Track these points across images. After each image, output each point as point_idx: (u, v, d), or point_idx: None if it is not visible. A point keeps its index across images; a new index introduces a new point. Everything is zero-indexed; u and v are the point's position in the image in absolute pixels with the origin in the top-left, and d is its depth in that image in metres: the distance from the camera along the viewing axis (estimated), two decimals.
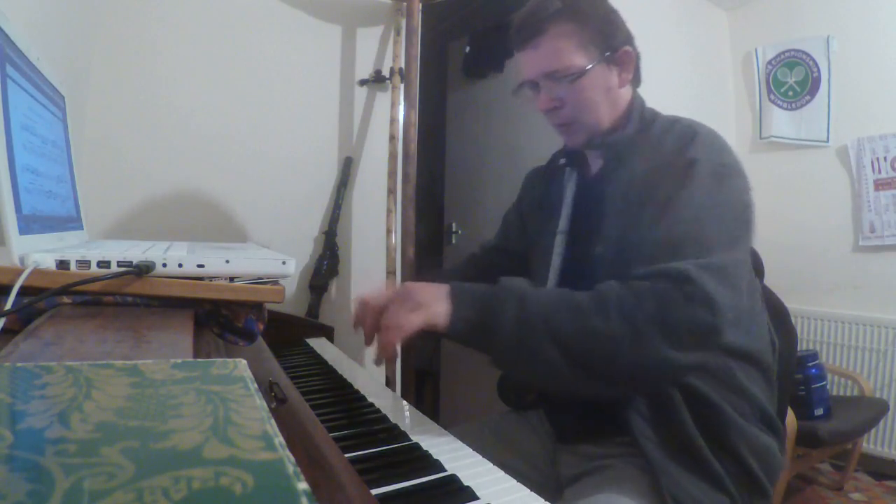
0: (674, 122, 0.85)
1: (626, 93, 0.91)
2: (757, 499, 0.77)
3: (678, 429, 0.74)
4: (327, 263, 1.75)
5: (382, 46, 1.91)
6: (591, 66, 0.84)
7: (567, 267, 0.92)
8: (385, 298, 0.72)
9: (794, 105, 2.69)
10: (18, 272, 0.50)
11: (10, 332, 0.46)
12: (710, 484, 0.73)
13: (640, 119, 0.88)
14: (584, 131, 0.90)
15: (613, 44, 0.86)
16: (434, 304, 0.69)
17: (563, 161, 1.01)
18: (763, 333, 0.84)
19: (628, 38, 0.88)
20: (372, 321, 0.72)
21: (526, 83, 0.91)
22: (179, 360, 0.34)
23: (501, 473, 0.60)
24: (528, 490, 0.57)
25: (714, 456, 0.74)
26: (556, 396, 0.92)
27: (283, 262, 0.66)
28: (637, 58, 0.90)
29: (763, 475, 0.77)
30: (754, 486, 0.76)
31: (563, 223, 0.94)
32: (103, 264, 0.57)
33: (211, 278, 0.62)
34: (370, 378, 0.97)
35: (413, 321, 0.67)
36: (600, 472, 0.79)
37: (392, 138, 1.78)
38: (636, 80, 0.92)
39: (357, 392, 0.88)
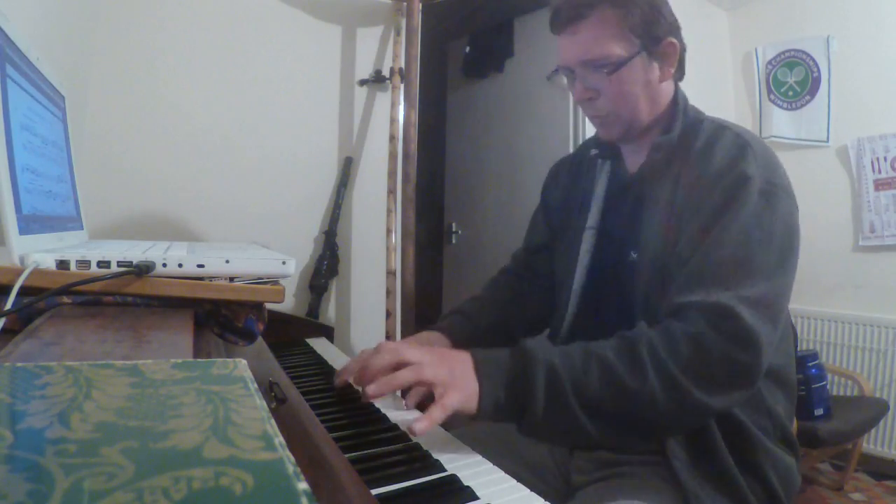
0: (722, 128, 0.81)
1: (667, 87, 0.86)
2: None
3: (710, 451, 0.72)
4: (327, 263, 1.75)
5: (382, 46, 1.91)
6: (631, 56, 0.79)
7: (596, 265, 0.89)
8: (407, 365, 0.65)
9: (794, 105, 2.69)
10: (18, 272, 0.50)
11: (10, 332, 0.46)
12: (735, 503, 0.72)
13: (685, 119, 0.84)
14: (619, 125, 0.85)
15: (657, 34, 0.81)
16: (464, 386, 0.64)
17: (594, 152, 0.96)
18: (789, 351, 0.82)
19: (673, 29, 0.83)
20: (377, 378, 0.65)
21: (562, 69, 0.85)
22: (179, 360, 0.34)
23: (501, 473, 0.60)
24: (528, 490, 0.57)
25: (741, 475, 0.72)
26: None
27: (283, 262, 0.66)
28: (682, 50, 0.85)
29: (783, 495, 0.75)
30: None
31: (592, 218, 0.90)
32: (103, 264, 0.57)
33: (211, 278, 0.62)
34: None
35: (447, 407, 0.62)
36: (619, 477, 0.77)
37: (392, 138, 1.78)
38: (679, 75, 0.88)
39: (357, 392, 0.88)
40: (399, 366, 0.65)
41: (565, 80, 0.87)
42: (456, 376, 0.65)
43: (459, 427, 0.88)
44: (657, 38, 0.81)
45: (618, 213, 0.89)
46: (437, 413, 0.61)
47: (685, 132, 0.83)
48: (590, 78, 0.82)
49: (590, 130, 1.11)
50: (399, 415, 0.77)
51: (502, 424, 0.94)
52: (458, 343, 0.90)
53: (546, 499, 0.54)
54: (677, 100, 0.86)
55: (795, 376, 0.83)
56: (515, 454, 0.87)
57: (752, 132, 0.80)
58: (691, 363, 0.63)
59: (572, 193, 0.98)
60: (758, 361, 0.64)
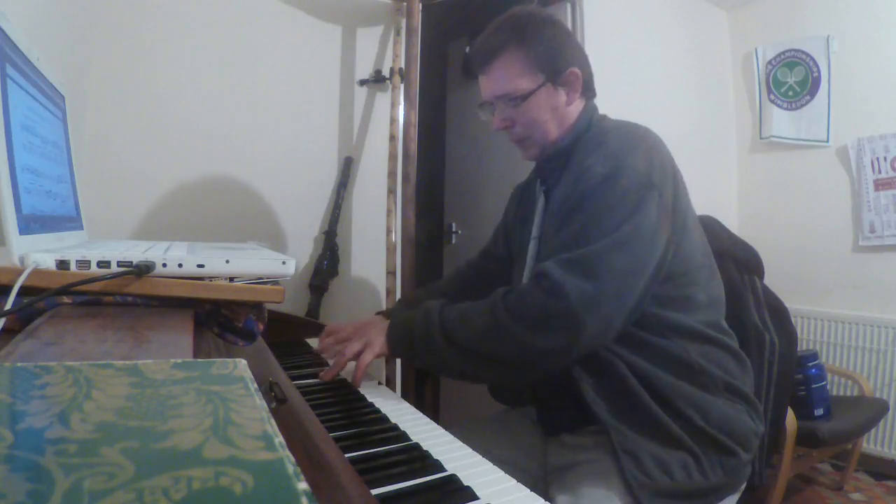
0: (599, 131, 0.93)
1: (575, 108, 0.98)
2: (726, 457, 0.83)
3: (627, 396, 0.83)
4: (327, 263, 1.75)
5: (382, 46, 1.91)
6: (536, 88, 0.93)
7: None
8: (346, 332, 0.97)
9: (794, 105, 2.69)
10: (18, 272, 0.50)
11: (10, 332, 0.46)
12: (669, 443, 0.80)
13: (576, 132, 0.96)
14: (535, 146, 0.99)
15: (559, 66, 0.94)
16: (376, 338, 0.91)
17: (532, 173, 1.12)
18: (718, 313, 0.93)
19: (577, 60, 0.96)
20: (331, 347, 0.99)
21: (483, 104, 1.01)
22: (179, 360, 0.34)
23: (501, 473, 0.60)
24: (528, 490, 0.57)
25: (671, 420, 0.81)
26: (542, 392, 0.98)
27: (283, 262, 0.66)
28: (588, 76, 0.97)
29: (727, 438, 0.83)
30: (719, 446, 0.82)
31: (535, 229, 1.03)
32: (103, 264, 0.57)
33: (211, 278, 0.62)
34: (370, 378, 0.97)
35: (365, 358, 0.89)
36: (574, 467, 0.85)
37: (392, 138, 1.78)
38: (590, 94, 1.00)
39: (357, 392, 0.88)
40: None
41: (488, 114, 1.02)
42: (370, 338, 0.91)
43: (460, 426, 0.90)
44: (559, 69, 0.94)
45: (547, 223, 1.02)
46: (362, 365, 0.89)
47: (572, 143, 0.96)
48: (504, 109, 0.97)
49: None
50: (399, 415, 0.78)
51: (500, 415, 1.09)
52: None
53: (539, 479, 0.56)
54: (581, 117, 0.98)
55: (732, 336, 0.93)
56: (510, 438, 0.97)
57: (630, 125, 0.92)
58: (515, 309, 0.80)
59: (524, 211, 1.12)
60: (568, 306, 0.76)
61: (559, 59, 0.94)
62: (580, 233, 0.81)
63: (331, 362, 0.95)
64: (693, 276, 0.89)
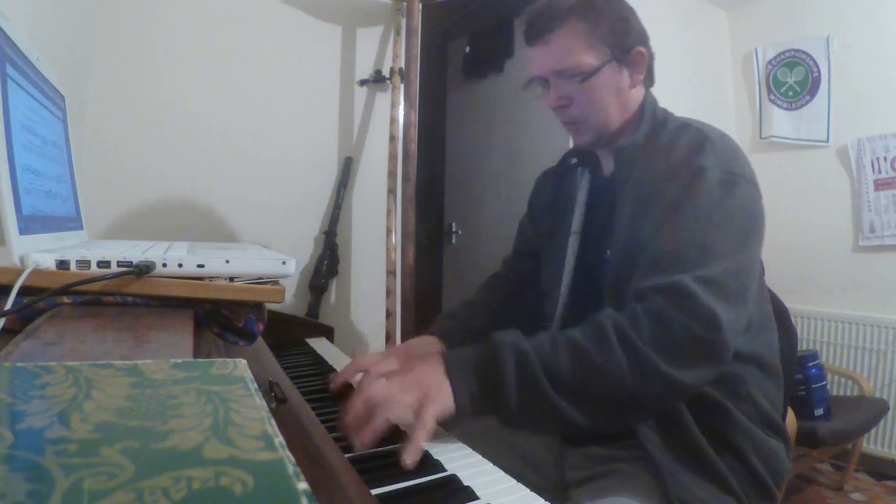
0: (685, 126, 0.84)
1: (637, 93, 0.90)
2: (764, 501, 0.77)
3: (682, 431, 0.74)
4: (327, 263, 1.75)
5: (382, 46, 1.91)
6: (601, 65, 0.83)
7: (581, 267, 0.93)
8: (387, 368, 0.71)
9: (794, 105, 2.69)
10: (18, 272, 0.50)
11: (10, 332, 0.46)
12: (716, 484, 0.73)
13: (652, 121, 0.87)
14: (591, 130, 0.89)
15: (626, 44, 0.85)
16: (437, 388, 0.64)
17: (574, 160, 1.01)
18: (772, 339, 0.85)
19: (642, 39, 0.88)
20: (377, 395, 0.63)
21: (536, 79, 0.90)
22: (179, 360, 0.34)
23: (501, 473, 0.60)
24: (529, 490, 0.57)
25: (719, 457, 0.74)
26: None
27: (283, 262, 0.66)
28: (651, 58, 0.89)
29: (769, 477, 0.77)
30: (760, 487, 0.77)
31: (576, 223, 0.94)
32: (103, 264, 0.57)
33: (211, 278, 0.62)
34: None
35: (427, 420, 0.61)
36: (607, 475, 0.78)
37: (392, 138, 1.78)
38: (649, 81, 0.92)
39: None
40: (370, 411, 0.62)
41: (539, 90, 0.91)
42: (428, 388, 0.64)
43: (459, 426, 0.89)
44: (626, 47, 0.85)
45: (597, 217, 0.93)
46: (419, 434, 0.60)
47: (650, 133, 0.86)
48: (563, 87, 0.86)
49: None
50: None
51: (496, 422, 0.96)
52: (450, 346, 0.93)
53: (545, 494, 0.54)
54: (645, 104, 0.89)
55: (780, 364, 0.85)
56: (514, 451, 0.88)
57: (717, 128, 0.83)
58: (655, 337, 0.65)
59: (557, 201, 1.02)
60: (719, 337, 0.66)
61: (627, 36, 0.85)
62: (704, 242, 0.71)
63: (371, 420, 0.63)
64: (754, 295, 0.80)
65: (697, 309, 0.66)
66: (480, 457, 0.64)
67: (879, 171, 2.40)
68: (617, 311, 0.72)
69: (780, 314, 0.98)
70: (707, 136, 0.80)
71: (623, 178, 0.86)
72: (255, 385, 0.32)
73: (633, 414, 0.71)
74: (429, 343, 0.94)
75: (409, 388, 0.64)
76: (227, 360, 0.35)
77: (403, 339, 1.74)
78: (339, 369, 1.00)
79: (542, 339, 0.69)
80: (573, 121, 0.89)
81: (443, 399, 0.64)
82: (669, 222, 0.74)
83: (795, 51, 2.67)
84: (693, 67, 2.76)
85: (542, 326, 0.98)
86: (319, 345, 1.23)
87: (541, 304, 1.00)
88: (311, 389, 0.87)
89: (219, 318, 0.64)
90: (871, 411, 2.05)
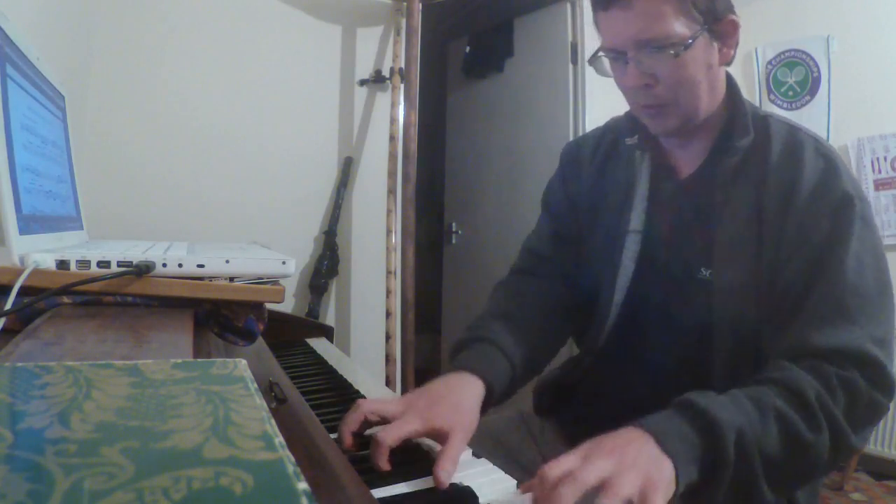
0: (795, 129, 0.73)
1: (723, 73, 0.75)
2: None
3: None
4: (327, 263, 1.75)
5: (382, 46, 1.91)
6: (695, 35, 0.67)
7: (643, 273, 0.80)
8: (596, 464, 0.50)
9: (794, 105, 2.69)
10: (18, 272, 0.50)
11: (10, 332, 0.46)
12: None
13: (752, 118, 0.73)
14: (678, 116, 0.72)
15: (717, 10, 0.69)
16: (660, 479, 0.51)
17: (630, 141, 0.83)
18: None
19: (730, 5, 0.72)
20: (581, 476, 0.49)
21: (609, 51, 0.72)
22: (179, 360, 0.34)
23: (502, 473, 0.60)
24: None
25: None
26: (596, 408, 0.82)
27: (283, 262, 0.66)
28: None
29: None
30: None
31: (636, 220, 0.79)
32: (103, 264, 0.57)
33: (211, 278, 0.62)
34: (370, 378, 0.97)
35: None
36: None
37: (392, 138, 1.78)
38: (730, 59, 0.76)
39: (357, 392, 0.88)
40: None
41: (607, 65, 0.74)
42: (650, 473, 0.51)
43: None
44: (718, 15, 0.69)
45: (668, 219, 0.79)
46: None
47: (758, 135, 0.73)
48: (647, 61, 0.69)
49: (589, 129, 1.06)
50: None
51: (494, 423, 0.89)
52: (497, 387, 0.72)
53: None
54: (735, 89, 0.75)
55: None
56: (508, 454, 0.83)
57: (817, 134, 0.73)
58: (846, 408, 0.61)
59: (601, 186, 0.85)
60: (890, 402, 0.63)
61: (720, 1, 0.69)
62: (861, 289, 0.64)
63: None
64: None
65: (883, 379, 0.62)
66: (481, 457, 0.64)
67: (879, 171, 2.40)
68: (731, 349, 0.68)
69: None
70: (829, 150, 0.70)
71: (725, 184, 0.73)
72: (255, 385, 0.32)
73: (805, 483, 0.68)
74: (458, 385, 0.69)
75: (631, 467, 0.50)
76: (227, 360, 0.35)
77: (403, 339, 1.74)
78: (339, 369, 1.00)
79: (747, 408, 0.58)
80: (656, 103, 0.72)
81: (666, 485, 0.52)
82: (825, 266, 0.65)
83: (795, 51, 2.67)
84: None
85: (587, 339, 0.86)
86: (319, 345, 1.23)
87: (587, 309, 0.86)
88: (311, 389, 0.87)
89: (219, 318, 0.64)
90: None
